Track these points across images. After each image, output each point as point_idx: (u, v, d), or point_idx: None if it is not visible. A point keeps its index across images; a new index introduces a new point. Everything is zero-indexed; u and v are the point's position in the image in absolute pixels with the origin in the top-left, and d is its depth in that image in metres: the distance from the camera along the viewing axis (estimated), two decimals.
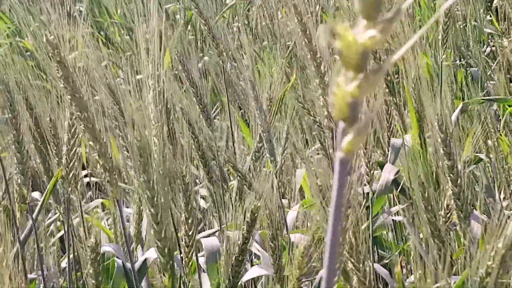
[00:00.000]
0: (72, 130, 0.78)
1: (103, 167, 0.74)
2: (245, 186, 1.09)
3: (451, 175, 0.87)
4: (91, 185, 1.51)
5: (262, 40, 2.74)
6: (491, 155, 1.35)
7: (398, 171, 1.14)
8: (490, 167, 1.37)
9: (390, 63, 0.23)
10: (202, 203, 1.38)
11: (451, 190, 0.87)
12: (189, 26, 2.88)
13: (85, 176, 1.47)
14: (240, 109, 1.84)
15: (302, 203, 1.18)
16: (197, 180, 1.31)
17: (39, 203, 1.00)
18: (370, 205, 1.02)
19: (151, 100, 0.66)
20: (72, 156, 0.78)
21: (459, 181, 0.87)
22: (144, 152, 0.67)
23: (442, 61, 1.36)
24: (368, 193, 1.02)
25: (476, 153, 1.28)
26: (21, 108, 0.91)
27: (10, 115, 0.87)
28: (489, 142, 1.38)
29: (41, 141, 0.92)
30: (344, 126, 0.23)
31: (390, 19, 0.23)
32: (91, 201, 1.43)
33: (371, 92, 0.23)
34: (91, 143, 0.69)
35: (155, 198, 0.70)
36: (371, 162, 0.97)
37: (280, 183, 1.06)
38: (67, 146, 0.77)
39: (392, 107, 1.19)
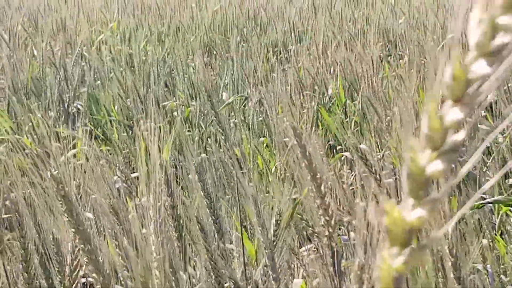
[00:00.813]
0: (76, 251, 0.78)
1: None
2: None
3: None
4: None
5: (259, 136, 2.76)
6: (488, 266, 1.35)
7: None
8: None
9: (435, 239, 0.24)
10: None
11: None
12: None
13: None
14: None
15: None
16: None
17: None
18: None
19: (152, 231, 0.67)
20: (75, 278, 0.78)
21: None
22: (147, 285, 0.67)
23: None
24: None
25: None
26: (27, 225, 0.91)
27: (18, 234, 0.87)
28: (484, 241, 1.38)
29: (45, 257, 0.92)
30: None
31: (437, 199, 0.24)
32: None
33: (415, 266, 0.24)
34: (94, 275, 0.69)
35: None
36: None
37: None
38: (70, 267, 0.77)
39: None
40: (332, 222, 0.92)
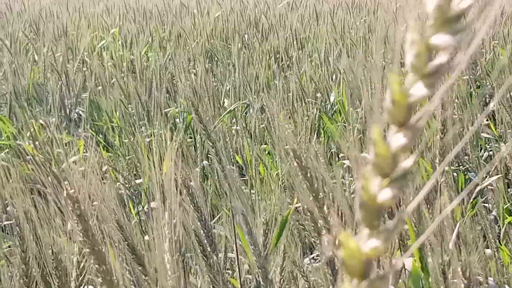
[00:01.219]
0: (81, 266, 0.78)
1: None
2: None
3: None
4: None
5: (261, 143, 2.76)
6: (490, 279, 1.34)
7: None
8: None
9: (394, 272, 0.24)
10: None
11: None
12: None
13: None
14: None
15: None
16: None
17: None
18: None
19: (167, 249, 0.66)
20: None
21: None
22: None
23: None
24: None
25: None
26: (28, 239, 0.90)
27: (19, 248, 0.86)
28: (488, 251, 1.37)
29: (47, 272, 0.91)
30: None
31: (392, 229, 0.23)
32: None
33: None
34: None
35: None
36: None
37: None
38: (75, 283, 0.76)
39: None
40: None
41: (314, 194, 0.93)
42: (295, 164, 0.94)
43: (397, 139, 0.23)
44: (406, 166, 0.23)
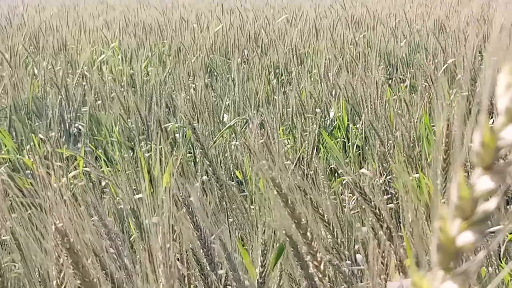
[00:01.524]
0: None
1: None
2: None
3: None
4: None
5: (259, 160, 2.75)
6: None
7: None
8: None
9: None
10: None
11: None
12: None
13: None
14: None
15: None
16: None
17: None
18: None
19: (161, 274, 0.65)
20: None
21: None
22: None
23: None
24: None
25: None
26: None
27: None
28: (490, 269, 1.37)
29: None
30: None
31: (468, 271, 0.23)
32: None
33: None
34: None
35: None
36: None
37: None
38: None
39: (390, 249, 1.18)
40: (322, 267, 0.90)
41: (296, 221, 0.92)
42: (275, 192, 0.93)
43: (484, 182, 0.23)
44: (488, 209, 0.23)
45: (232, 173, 2.53)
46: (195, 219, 1.17)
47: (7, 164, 2.54)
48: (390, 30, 5.43)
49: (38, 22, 8.02)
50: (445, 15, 6.66)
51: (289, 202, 0.93)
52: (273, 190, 0.94)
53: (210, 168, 1.91)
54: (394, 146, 2.52)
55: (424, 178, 1.61)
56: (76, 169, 2.51)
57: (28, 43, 6.13)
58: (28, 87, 3.71)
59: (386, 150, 2.49)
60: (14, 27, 7.56)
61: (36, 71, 4.36)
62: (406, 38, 5.08)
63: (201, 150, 1.89)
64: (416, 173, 2.30)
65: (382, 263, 0.94)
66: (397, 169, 2.15)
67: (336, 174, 2.81)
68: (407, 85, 3.80)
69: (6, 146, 2.70)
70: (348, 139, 3.05)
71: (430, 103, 3.06)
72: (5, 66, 4.48)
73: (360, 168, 2.61)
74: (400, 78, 4.15)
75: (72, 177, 2.40)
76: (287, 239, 0.92)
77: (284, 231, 0.93)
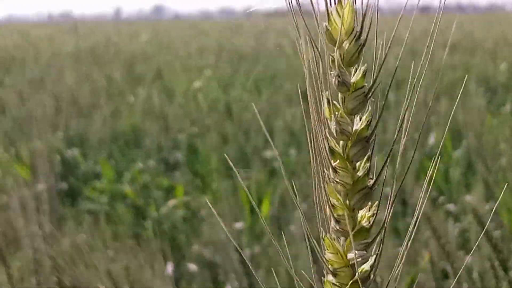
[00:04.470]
0: None
1: None
2: None
3: None
4: None
5: None
6: None
7: None
8: None
9: None
10: None
11: None
12: None
13: None
14: None
15: None
16: None
17: None
18: None
19: None
20: None
21: None
22: None
23: None
24: None
25: None
26: None
27: None
28: None
29: None
30: None
31: None
32: None
33: None
34: None
35: None
36: None
37: None
38: None
39: None
40: None
41: None
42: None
43: None
44: None
45: None
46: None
47: (107, 192, 2.55)
48: (488, 53, 5.31)
49: (133, 48, 8.15)
50: None
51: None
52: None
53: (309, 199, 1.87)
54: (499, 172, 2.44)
55: None
56: (175, 198, 2.50)
57: (124, 70, 6.21)
58: (126, 115, 3.74)
59: (491, 176, 2.41)
60: (110, 53, 7.68)
61: (132, 99, 4.40)
62: (506, 61, 4.96)
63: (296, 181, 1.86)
64: None
65: None
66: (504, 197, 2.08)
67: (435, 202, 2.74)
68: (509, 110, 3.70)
69: (106, 176, 2.72)
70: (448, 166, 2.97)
71: None
72: (102, 94, 4.54)
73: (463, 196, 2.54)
74: (501, 103, 4.04)
75: (171, 206, 2.40)
76: None
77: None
